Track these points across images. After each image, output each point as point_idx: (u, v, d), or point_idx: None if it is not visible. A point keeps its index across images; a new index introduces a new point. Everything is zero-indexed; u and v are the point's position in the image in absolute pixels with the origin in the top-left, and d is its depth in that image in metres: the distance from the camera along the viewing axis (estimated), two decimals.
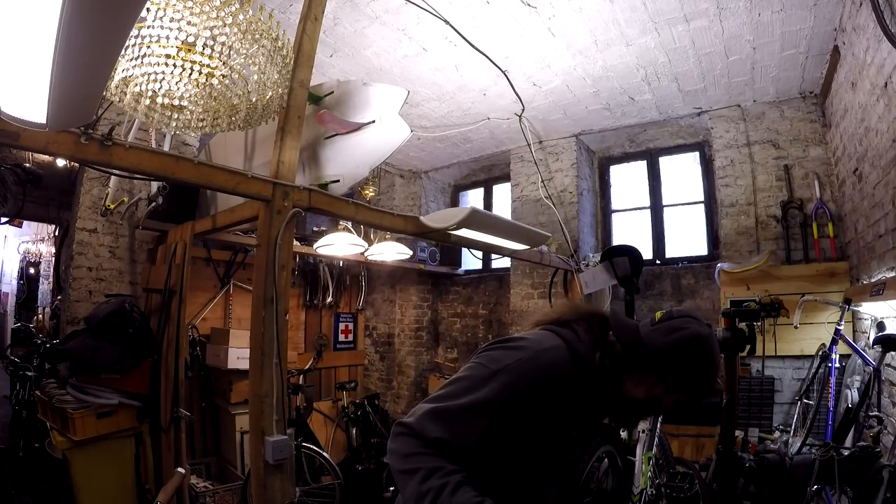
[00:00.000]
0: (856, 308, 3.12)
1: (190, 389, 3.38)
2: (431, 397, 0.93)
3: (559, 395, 0.97)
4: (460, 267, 5.77)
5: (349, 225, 3.54)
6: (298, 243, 3.74)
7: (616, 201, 5.32)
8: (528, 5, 2.98)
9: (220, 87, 1.64)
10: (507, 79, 3.71)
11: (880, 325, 2.81)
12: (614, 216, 5.30)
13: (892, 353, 2.48)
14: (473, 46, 3.25)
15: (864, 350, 2.95)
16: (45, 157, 4.43)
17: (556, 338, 1.03)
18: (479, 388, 0.90)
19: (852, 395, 2.90)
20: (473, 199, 6.39)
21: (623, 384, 1.03)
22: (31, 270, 9.19)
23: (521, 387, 0.92)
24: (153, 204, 2.97)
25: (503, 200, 5.82)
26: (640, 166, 5.11)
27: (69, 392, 2.49)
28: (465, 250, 5.30)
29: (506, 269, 5.31)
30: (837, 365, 3.03)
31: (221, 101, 1.72)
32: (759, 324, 2.22)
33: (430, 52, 3.48)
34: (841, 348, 3.03)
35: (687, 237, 4.79)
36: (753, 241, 4.00)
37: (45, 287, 8.56)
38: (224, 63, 1.58)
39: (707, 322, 1.06)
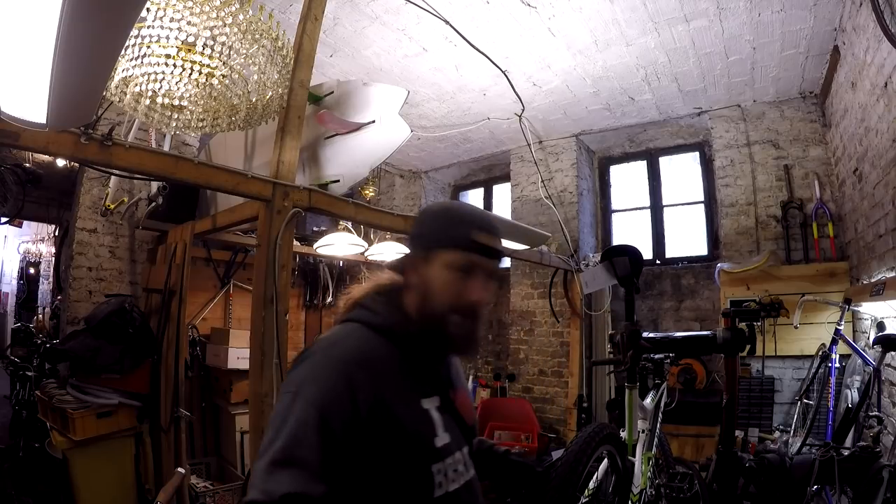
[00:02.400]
0: (856, 308, 3.12)
1: (190, 389, 3.37)
2: (259, 453, 0.80)
3: (390, 377, 0.86)
4: None
5: (349, 225, 3.54)
6: (298, 243, 3.73)
7: (616, 201, 5.32)
8: (528, 5, 2.98)
9: (220, 87, 1.64)
10: (507, 79, 3.71)
11: (880, 325, 2.81)
12: (614, 216, 5.30)
13: (892, 353, 2.48)
14: (473, 46, 3.25)
15: (864, 350, 2.95)
16: (45, 157, 4.43)
17: (347, 325, 0.93)
18: (290, 418, 0.78)
19: (852, 395, 2.90)
20: (473, 199, 6.39)
21: (425, 302, 0.92)
22: (31, 270, 9.19)
23: (330, 395, 0.80)
24: (153, 204, 2.97)
25: (503, 200, 5.82)
26: (640, 166, 5.11)
27: (69, 392, 2.49)
28: None
29: (506, 269, 5.31)
30: (837, 365, 3.03)
31: (221, 101, 1.72)
32: (759, 324, 2.22)
33: (430, 52, 3.48)
34: (841, 348, 3.03)
35: (687, 237, 4.79)
36: (753, 241, 4.00)
37: (45, 287, 8.56)
38: (224, 63, 1.58)
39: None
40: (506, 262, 5.20)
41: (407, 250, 0.99)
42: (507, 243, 3.41)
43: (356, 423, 0.79)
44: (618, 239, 5.20)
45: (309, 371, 0.84)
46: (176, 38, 1.44)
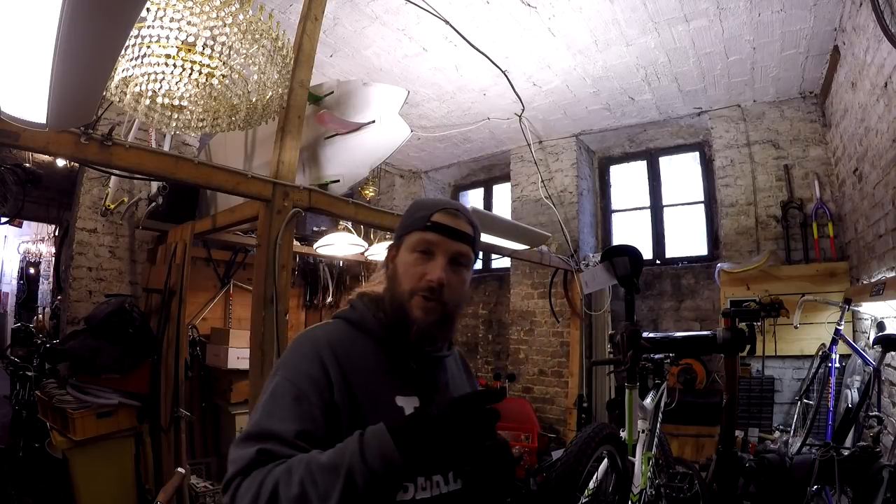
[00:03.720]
0: (856, 308, 3.12)
1: (190, 389, 3.37)
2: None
3: (361, 366, 0.87)
4: None
5: (349, 225, 3.54)
6: (298, 243, 3.73)
7: (616, 201, 5.32)
8: (528, 5, 2.98)
9: (220, 87, 1.64)
10: (507, 79, 3.71)
11: (880, 325, 2.81)
12: (614, 216, 5.30)
13: (892, 353, 2.48)
14: (473, 46, 3.25)
15: (864, 350, 2.95)
16: (45, 157, 4.43)
17: (329, 321, 0.97)
18: (265, 395, 0.82)
19: (852, 395, 2.90)
20: (473, 199, 6.39)
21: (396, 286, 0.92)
22: (31, 270, 9.19)
23: (303, 368, 0.82)
24: (153, 204, 2.97)
25: (503, 200, 5.82)
26: (640, 166, 5.11)
27: (69, 392, 2.49)
28: None
29: (506, 269, 5.31)
30: (837, 365, 3.03)
31: (221, 101, 1.72)
32: (759, 324, 2.22)
33: (430, 52, 3.48)
34: (841, 348, 3.03)
35: (687, 237, 4.79)
36: (753, 241, 4.00)
37: (45, 287, 8.55)
38: (224, 63, 1.58)
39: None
40: (506, 262, 5.20)
41: None
42: (507, 243, 3.42)
43: (330, 398, 0.81)
44: (618, 239, 5.20)
45: (285, 354, 0.89)
46: (176, 38, 1.44)
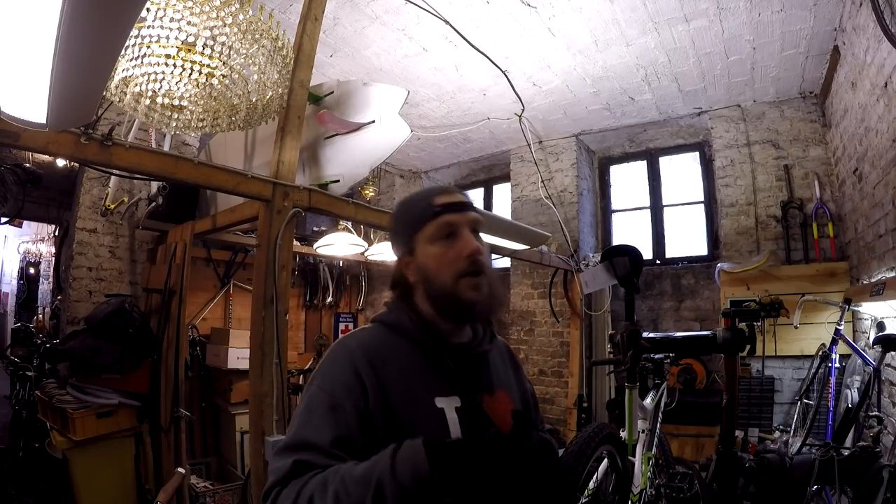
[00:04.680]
0: (856, 308, 3.12)
1: (190, 389, 3.37)
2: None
3: (397, 370, 0.86)
4: None
5: (349, 225, 3.54)
6: (298, 243, 3.74)
7: (616, 201, 5.32)
8: (528, 5, 2.98)
9: (220, 87, 1.63)
10: (507, 79, 3.71)
11: (880, 325, 2.81)
12: (614, 216, 5.30)
13: (892, 353, 2.48)
14: (473, 46, 3.25)
15: (864, 350, 2.95)
16: (45, 157, 4.43)
17: (366, 325, 0.97)
18: (302, 407, 0.83)
19: (852, 395, 2.90)
20: (473, 199, 6.37)
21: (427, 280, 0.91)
22: (31, 270, 9.19)
23: (338, 378, 0.83)
24: (153, 204, 2.97)
25: (503, 200, 5.82)
26: (640, 166, 5.11)
27: (69, 392, 2.49)
28: None
29: (506, 269, 5.31)
30: (837, 365, 3.03)
31: (221, 101, 1.72)
32: (759, 324, 2.21)
33: (430, 52, 3.48)
34: (841, 348, 3.03)
35: (687, 237, 4.79)
36: (753, 241, 4.00)
37: (45, 287, 8.56)
38: (224, 63, 1.58)
39: None
40: (506, 262, 5.20)
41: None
42: (507, 243, 3.41)
43: (366, 407, 0.81)
44: (618, 239, 5.20)
45: (321, 365, 0.89)
46: (176, 38, 1.44)
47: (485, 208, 5.85)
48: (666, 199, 4.95)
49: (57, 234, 6.59)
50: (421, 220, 0.92)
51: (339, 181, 2.37)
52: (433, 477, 0.68)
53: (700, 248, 4.69)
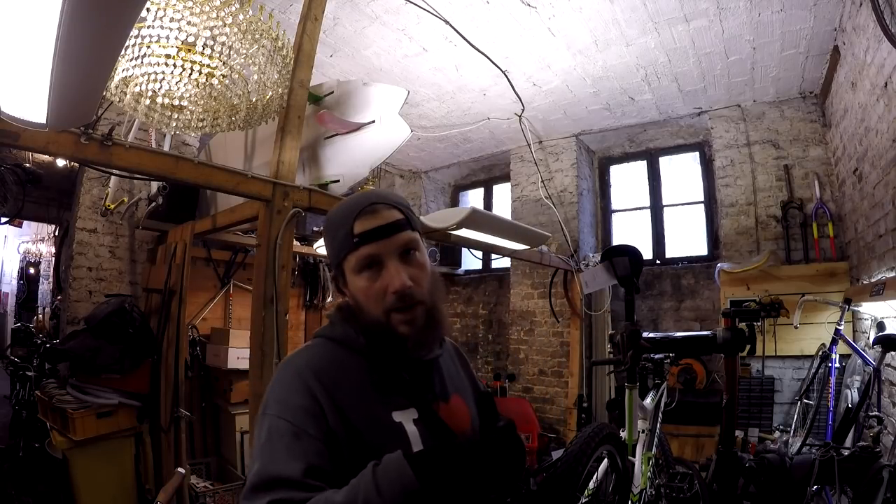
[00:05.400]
0: (856, 308, 3.12)
1: (190, 389, 3.37)
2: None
3: (351, 388, 0.82)
4: (460, 267, 5.77)
5: None
6: (298, 243, 3.74)
7: (616, 201, 5.32)
8: (528, 5, 2.98)
9: (220, 87, 1.64)
10: (507, 79, 3.71)
11: (880, 325, 2.81)
12: (614, 216, 5.30)
13: (892, 353, 2.48)
14: (473, 46, 3.25)
15: (864, 350, 2.95)
16: (45, 157, 4.43)
17: (312, 340, 0.92)
18: (262, 439, 0.77)
19: (852, 395, 2.90)
20: (473, 199, 6.39)
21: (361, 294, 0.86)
22: (31, 270, 9.19)
23: (296, 402, 0.78)
24: (153, 204, 2.97)
25: (503, 200, 5.82)
26: (640, 166, 5.11)
27: (69, 392, 2.49)
28: (465, 250, 5.31)
29: (506, 269, 5.31)
30: (837, 365, 3.03)
31: (221, 101, 1.72)
32: (759, 324, 2.21)
33: (430, 52, 3.48)
34: (841, 348, 3.03)
35: (687, 237, 4.79)
36: (753, 241, 4.00)
37: (45, 287, 8.56)
38: (224, 63, 1.58)
39: None
40: (506, 262, 5.20)
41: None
42: (507, 243, 3.41)
43: (327, 427, 0.77)
44: (618, 239, 5.20)
45: (271, 389, 0.83)
46: (176, 38, 1.44)
47: (485, 208, 5.85)
48: (666, 199, 4.95)
49: (57, 234, 6.59)
50: (342, 249, 0.86)
51: (339, 181, 2.37)
52: (422, 487, 0.66)
53: (700, 248, 4.69)
